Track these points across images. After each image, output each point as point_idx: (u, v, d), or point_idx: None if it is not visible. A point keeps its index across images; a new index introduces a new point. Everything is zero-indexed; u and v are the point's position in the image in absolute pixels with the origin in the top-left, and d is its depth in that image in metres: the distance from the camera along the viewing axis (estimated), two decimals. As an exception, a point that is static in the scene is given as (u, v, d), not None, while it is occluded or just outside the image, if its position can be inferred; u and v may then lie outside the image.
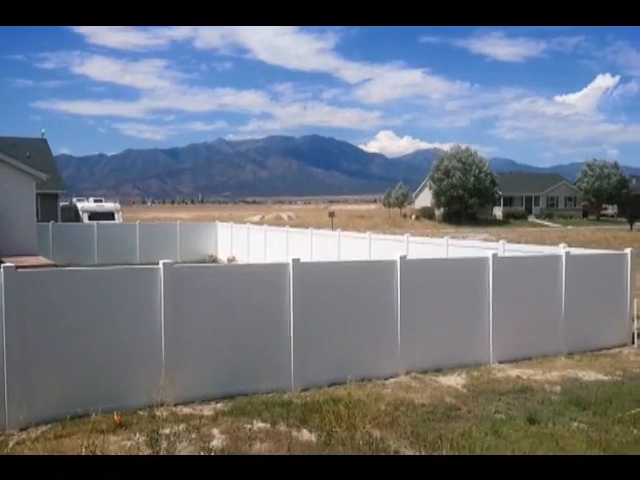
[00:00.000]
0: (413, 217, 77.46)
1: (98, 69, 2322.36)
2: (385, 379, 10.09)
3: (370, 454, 6.78)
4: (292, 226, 30.86)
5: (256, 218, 77.25)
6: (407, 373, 10.38)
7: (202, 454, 6.62)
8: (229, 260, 28.29)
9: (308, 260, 19.55)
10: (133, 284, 8.58)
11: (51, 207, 33.64)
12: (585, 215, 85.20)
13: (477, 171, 73.93)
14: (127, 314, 8.46)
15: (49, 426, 7.59)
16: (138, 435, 6.98)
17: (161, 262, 8.69)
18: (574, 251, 13.12)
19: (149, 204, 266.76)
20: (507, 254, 14.73)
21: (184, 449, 6.76)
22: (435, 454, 6.80)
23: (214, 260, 29.54)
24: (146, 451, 6.40)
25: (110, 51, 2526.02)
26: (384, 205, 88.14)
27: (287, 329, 9.50)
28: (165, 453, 6.35)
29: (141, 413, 7.91)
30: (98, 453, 6.09)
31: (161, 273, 8.61)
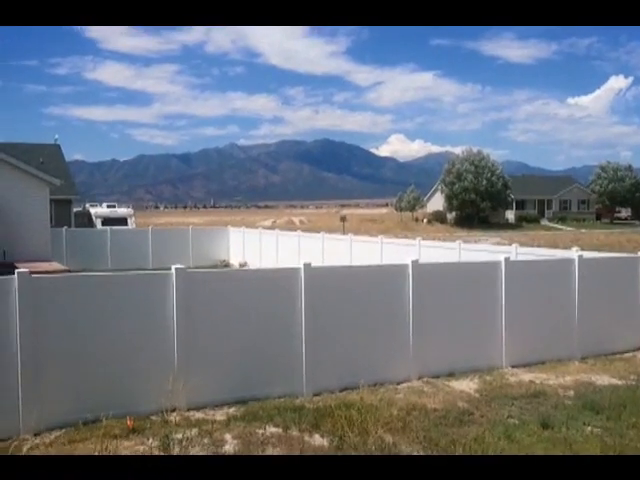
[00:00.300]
0: (425, 221, 77.21)
1: (110, 74, 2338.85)
2: (397, 384, 10.06)
3: (378, 454, 6.75)
4: (304, 230, 30.90)
5: (268, 223, 77.39)
6: (419, 378, 10.35)
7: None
8: (241, 265, 28.37)
9: (320, 265, 19.59)
10: (146, 289, 8.62)
11: (65, 213, 33.93)
12: (598, 218, 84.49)
13: (489, 174, 73.62)
14: (140, 319, 8.50)
15: (63, 431, 7.64)
16: (151, 440, 7.02)
17: (173, 267, 8.73)
18: (587, 254, 13.04)
19: (162, 209, 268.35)
20: (520, 258, 14.66)
21: (197, 453, 6.78)
22: (443, 454, 6.76)
23: (226, 265, 29.63)
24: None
25: (122, 56, 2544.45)
26: (396, 209, 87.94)
27: (299, 333, 9.50)
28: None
29: (154, 418, 7.96)
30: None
31: (173, 278, 8.65)
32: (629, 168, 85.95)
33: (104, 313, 8.30)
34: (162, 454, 6.37)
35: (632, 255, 13.62)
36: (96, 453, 6.21)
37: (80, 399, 8.00)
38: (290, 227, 60.73)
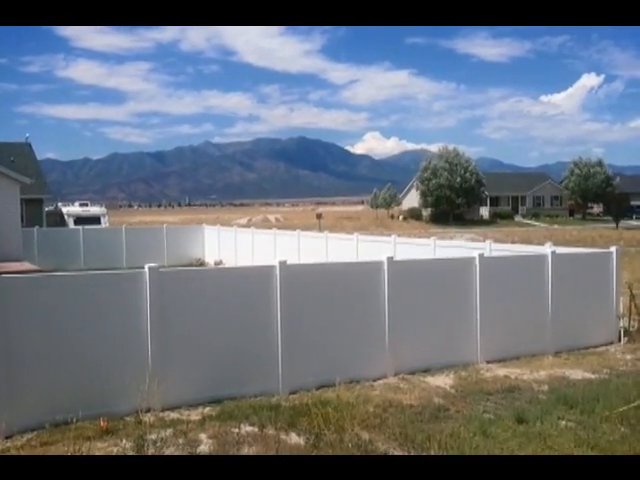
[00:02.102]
0: (401, 218, 77.59)
1: (83, 72, 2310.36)
2: (374, 380, 10.06)
3: (358, 454, 6.74)
4: (279, 228, 30.82)
5: (243, 221, 77.06)
6: (395, 374, 10.37)
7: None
8: (216, 263, 28.18)
9: (296, 262, 19.54)
10: (118, 289, 8.49)
11: (36, 212, 33.34)
12: (571, 214, 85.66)
13: (463, 171, 74.21)
14: (112, 319, 8.37)
15: (35, 433, 7.47)
16: (125, 441, 6.90)
17: (146, 266, 8.61)
18: (560, 250, 13.18)
19: (136, 208, 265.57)
20: (494, 254, 14.76)
21: (172, 454, 6.68)
22: (425, 454, 6.77)
23: (201, 263, 29.40)
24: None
25: (95, 54, 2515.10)
26: (371, 206, 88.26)
27: (274, 332, 9.45)
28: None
29: (128, 419, 7.83)
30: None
31: (146, 277, 8.54)
32: (600, 164, 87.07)
33: (76, 313, 8.14)
34: (137, 454, 6.26)
35: (604, 250, 13.80)
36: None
37: (53, 401, 7.83)
38: (266, 225, 60.56)
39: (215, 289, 9.15)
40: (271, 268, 9.56)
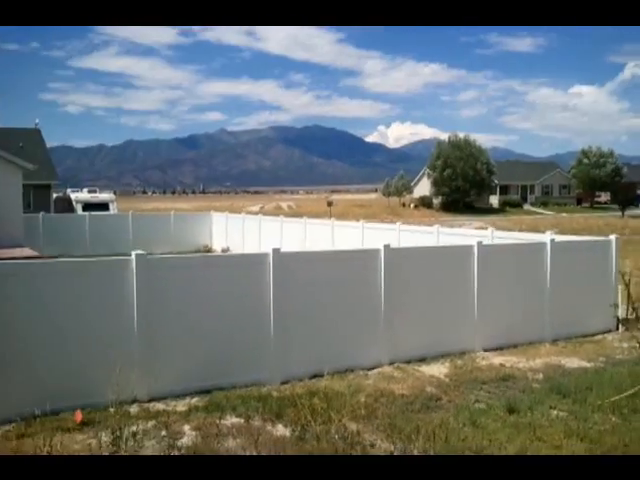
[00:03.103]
0: (412, 206, 77.28)
1: (105, 59, 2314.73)
2: (368, 369, 9.95)
3: (347, 454, 6.60)
4: (291, 216, 30.69)
5: (256, 208, 76.92)
6: (391, 363, 10.25)
7: (171, 453, 6.44)
8: (223, 250, 28.17)
9: (302, 249, 19.48)
10: (105, 276, 8.36)
11: (44, 198, 33.49)
12: (579, 203, 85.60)
13: (474, 161, 73.83)
14: (98, 307, 8.25)
15: (12, 425, 7.31)
16: (103, 433, 6.78)
17: (133, 253, 8.50)
18: (559, 238, 12.99)
19: (150, 194, 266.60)
20: (496, 241, 14.59)
21: (152, 447, 6.61)
22: (424, 454, 6.60)
23: (208, 250, 29.41)
24: (110, 449, 6.19)
25: (117, 41, 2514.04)
26: (384, 194, 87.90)
27: (267, 320, 9.32)
28: (131, 452, 6.19)
29: (112, 410, 7.71)
30: (57, 453, 5.89)
31: (133, 264, 8.41)
32: (611, 154, 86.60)
33: (60, 301, 8.01)
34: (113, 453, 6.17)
35: (603, 238, 13.60)
36: (45, 448, 5.93)
37: (34, 391, 7.71)
38: (278, 212, 60.47)
39: (206, 277, 8.99)
40: (264, 256, 9.44)
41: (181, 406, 8.25)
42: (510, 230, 24.16)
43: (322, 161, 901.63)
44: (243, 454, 6.49)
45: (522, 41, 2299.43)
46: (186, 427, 7.40)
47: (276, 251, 9.46)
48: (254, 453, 6.49)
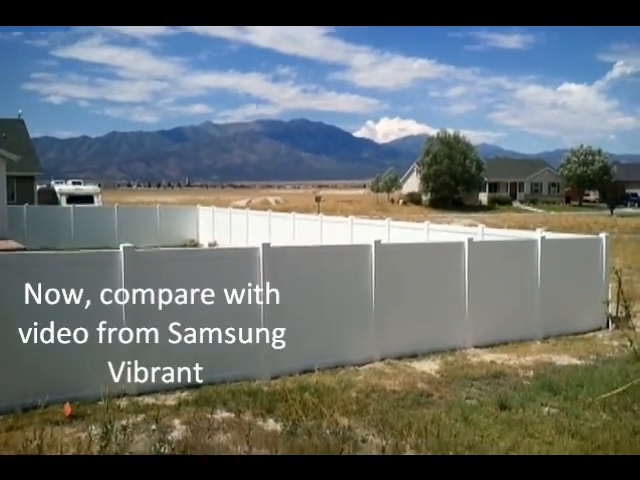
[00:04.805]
0: (400, 202, 77.39)
1: (90, 50, 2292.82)
2: (359, 365, 9.92)
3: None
4: (279, 210, 30.57)
5: (243, 202, 76.62)
6: (382, 359, 10.23)
7: (162, 446, 6.33)
8: (210, 245, 27.98)
9: (290, 244, 19.38)
10: (92, 269, 8.23)
11: (28, 189, 33.05)
12: (568, 201, 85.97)
13: (463, 158, 73.94)
14: (86, 300, 8.07)
15: (1, 418, 7.22)
16: (93, 427, 6.69)
17: (121, 246, 8.38)
18: (549, 236, 13.01)
19: (134, 187, 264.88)
20: (486, 238, 14.60)
21: (142, 441, 6.52)
22: (423, 454, 6.54)
23: (195, 245, 29.22)
24: (99, 443, 6.09)
25: (102, 32, 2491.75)
26: (372, 190, 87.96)
27: (257, 315, 9.22)
28: (120, 445, 6.09)
29: (101, 403, 7.61)
30: (46, 447, 5.78)
31: (122, 257, 8.30)
32: (599, 152, 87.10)
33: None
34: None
35: (594, 236, 13.65)
36: (34, 441, 5.82)
37: (24, 384, 7.61)
38: (265, 207, 60.19)
39: (195, 271, 8.88)
40: (253, 250, 9.36)
41: (171, 400, 8.18)
42: (499, 227, 24.19)
43: (309, 156, 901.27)
44: (235, 453, 6.40)
45: (510, 38, 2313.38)
46: (176, 421, 7.33)
47: (266, 245, 9.37)
48: (245, 447, 6.41)
